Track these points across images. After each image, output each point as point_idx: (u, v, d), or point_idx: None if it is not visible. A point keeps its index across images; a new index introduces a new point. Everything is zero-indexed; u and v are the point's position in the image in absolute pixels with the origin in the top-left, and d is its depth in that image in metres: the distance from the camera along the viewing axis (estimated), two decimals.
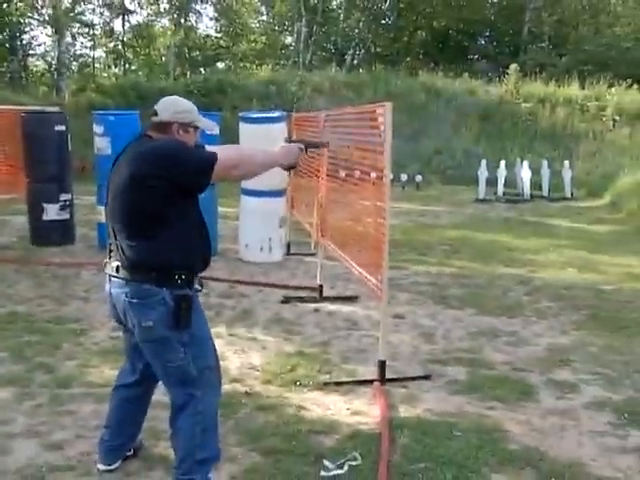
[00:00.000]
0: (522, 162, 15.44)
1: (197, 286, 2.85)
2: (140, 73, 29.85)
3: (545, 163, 15.46)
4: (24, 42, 26.72)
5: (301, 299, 6.32)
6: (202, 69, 30.25)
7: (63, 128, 8.48)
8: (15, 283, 6.70)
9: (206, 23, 41.39)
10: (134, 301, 2.72)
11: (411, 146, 17.78)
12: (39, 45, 29.99)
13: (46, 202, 8.41)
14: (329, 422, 3.72)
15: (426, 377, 4.44)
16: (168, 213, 2.69)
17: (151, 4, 30.87)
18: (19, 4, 24.39)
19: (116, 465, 3.15)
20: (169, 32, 29.45)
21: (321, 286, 6.37)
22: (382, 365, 4.30)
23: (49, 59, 28.64)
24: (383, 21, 31.64)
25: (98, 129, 8.09)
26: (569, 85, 21.22)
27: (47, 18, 25.82)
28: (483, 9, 31.37)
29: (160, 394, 3.26)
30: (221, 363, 3.11)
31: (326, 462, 3.24)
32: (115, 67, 31.79)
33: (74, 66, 29.52)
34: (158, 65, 31.14)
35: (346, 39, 30.54)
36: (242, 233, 8.09)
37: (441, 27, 31.13)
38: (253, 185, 7.22)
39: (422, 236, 10.03)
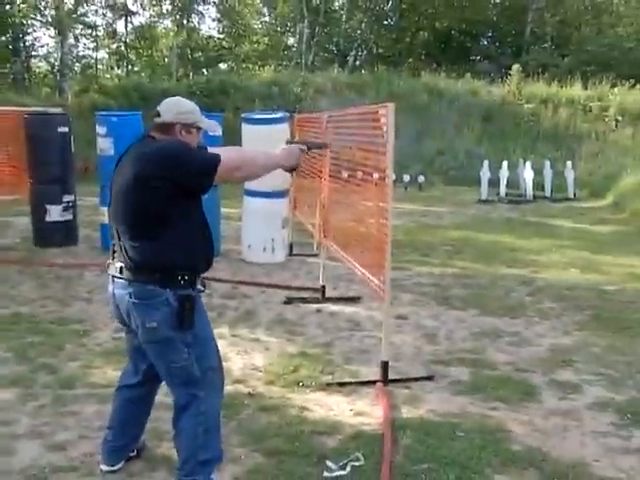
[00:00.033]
0: (524, 163, 15.44)
1: (200, 287, 2.86)
2: (143, 74, 29.88)
3: (548, 164, 15.45)
4: (27, 43, 26.74)
5: (304, 300, 6.33)
6: (204, 70, 30.25)
7: (66, 129, 8.50)
8: (18, 284, 6.71)
9: (208, 24, 41.37)
10: (138, 302, 2.73)
11: (414, 147, 17.77)
12: (42, 46, 30.02)
13: (49, 203, 8.44)
14: (332, 423, 3.73)
15: (429, 378, 4.44)
16: (171, 214, 2.69)
17: (154, 5, 30.90)
18: (22, 5, 24.44)
19: (119, 466, 3.15)
20: (172, 33, 29.47)
21: (324, 287, 6.37)
22: (385, 366, 4.30)
23: (52, 60, 28.67)
24: (385, 22, 31.65)
25: (101, 130, 8.10)
26: (572, 85, 21.20)
27: (50, 19, 25.89)
28: (485, 10, 31.32)
29: (163, 395, 3.27)
30: (224, 364, 3.11)
31: (329, 463, 3.24)
32: (118, 68, 31.80)
33: (77, 67, 29.51)
34: (161, 66, 31.15)
35: (348, 40, 30.53)
36: (245, 234, 8.09)
37: (443, 28, 31.09)
38: (256, 186, 7.22)
39: (425, 237, 10.03)
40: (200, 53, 31.74)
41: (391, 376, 4.32)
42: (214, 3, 31.68)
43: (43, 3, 26.06)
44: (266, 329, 5.46)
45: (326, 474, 3.17)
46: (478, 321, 5.82)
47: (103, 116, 8.38)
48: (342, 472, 3.18)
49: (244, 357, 4.78)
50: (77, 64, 29.60)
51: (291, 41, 32.88)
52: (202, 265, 2.86)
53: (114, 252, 2.86)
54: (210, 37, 32.83)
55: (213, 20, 40.34)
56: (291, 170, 3.21)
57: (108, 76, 30.30)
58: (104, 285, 3.04)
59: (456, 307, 6.24)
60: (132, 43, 31.42)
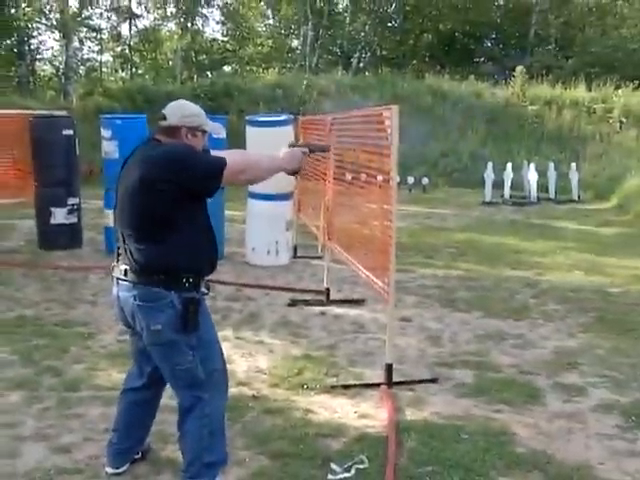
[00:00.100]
0: (529, 164, 15.42)
1: (204, 289, 2.86)
2: (147, 77, 29.97)
3: (552, 165, 15.43)
4: (32, 47, 26.88)
5: (308, 302, 6.33)
6: (209, 73, 30.34)
7: (71, 132, 8.53)
8: (23, 287, 6.73)
9: (213, 27, 41.53)
10: (142, 304, 2.74)
11: (418, 149, 17.77)
12: (47, 50, 30.31)
13: (54, 206, 8.45)
14: (336, 425, 3.73)
15: (433, 380, 4.44)
16: (177, 217, 2.70)
17: (158, 8, 30.99)
18: (27, 9, 24.54)
19: (124, 468, 3.16)
20: (176, 36, 29.53)
21: (328, 289, 6.37)
22: (389, 368, 4.30)
23: (57, 63, 28.85)
24: (389, 24, 31.68)
25: (106, 133, 8.13)
26: (576, 87, 21.17)
27: (55, 23, 26.01)
28: (489, 11, 31.31)
29: (168, 398, 3.28)
30: (228, 366, 3.12)
31: (333, 465, 3.24)
32: (122, 71, 31.91)
33: (81, 70, 29.66)
34: (165, 69, 31.25)
35: (352, 42, 30.56)
36: (249, 236, 8.10)
37: (447, 30, 31.09)
38: (260, 189, 7.23)
39: (429, 239, 10.02)
40: (204, 56, 31.83)
41: (395, 378, 4.32)
42: (218, 6, 31.82)
43: (48, 7, 26.21)
44: (270, 331, 5.46)
45: (330, 477, 3.17)
46: (482, 323, 5.82)
47: (108, 119, 8.40)
48: (346, 474, 3.18)
49: (248, 359, 4.78)
50: (82, 67, 29.76)
51: (295, 43, 32.92)
52: (206, 268, 2.87)
53: (119, 255, 2.87)
54: (214, 40, 32.92)
55: (217, 23, 40.45)
56: (294, 173, 3.22)
57: (112, 79, 30.42)
58: (109, 288, 3.05)
59: (460, 309, 6.24)
60: (136, 46, 31.54)
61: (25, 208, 9.70)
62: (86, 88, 24.14)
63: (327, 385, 4.30)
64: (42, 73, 29.53)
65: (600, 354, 5.03)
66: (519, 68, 21.83)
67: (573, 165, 15.55)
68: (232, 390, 3.39)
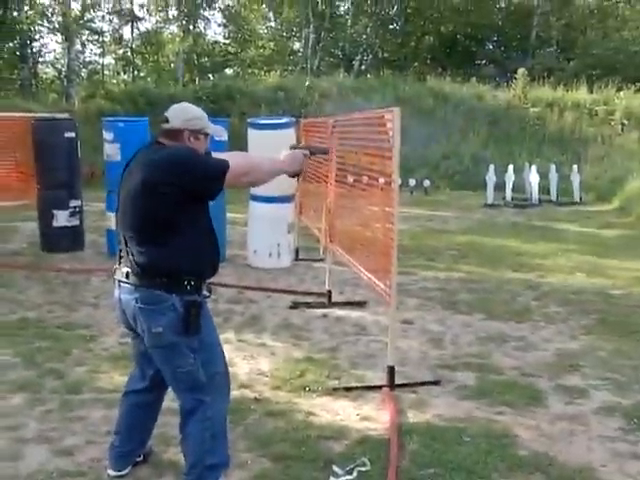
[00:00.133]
0: (530, 167, 15.41)
1: (206, 292, 2.87)
2: (149, 79, 29.96)
3: (553, 167, 15.43)
4: (34, 50, 26.91)
5: (310, 305, 6.33)
6: (210, 75, 30.35)
7: (73, 135, 8.54)
8: (25, 289, 6.74)
9: (214, 29, 41.51)
10: (144, 307, 2.74)
11: (419, 151, 17.78)
12: (49, 52, 30.31)
13: (56, 208, 8.47)
14: (338, 428, 3.73)
15: (435, 382, 4.44)
16: (179, 220, 2.71)
17: (160, 11, 31.05)
18: (29, 12, 24.58)
19: (126, 471, 3.16)
20: (178, 39, 29.54)
21: (330, 291, 6.37)
22: (391, 370, 4.30)
23: (59, 66, 28.89)
24: (391, 26, 31.66)
25: (108, 136, 8.13)
26: (577, 89, 21.16)
27: (57, 26, 26.07)
28: (491, 14, 31.34)
29: (170, 400, 3.28)
30: (230, 369, 3.13)
31: (335, 468, 3.24)
32: (124, 74, 31.95)
33: (84, 73, 29.72)
34: (167, 71, 31.25)
35: (354, 45, 30.59)
36: (251, 239, 8.10)
37: (449, 32, 31.13)
38: (262, 191, 7.21)
39: (430, 241, 10.02)
40: (206, 58, 31.86)
41: (397, 381, 4.32)
42: (220, 8, 31.85)
43: (50, 10, 26.24)
44: (272, 334, 5.47)
45: (333, 479, 3.17)
46: (484, 325, 5.82)
47: (110, 122, 8.41)
48: (349, 477, 3.18)
49: (250, 362, 4.78)
50: (84, 70, 29.81)
51: (297, 46, 32.96)
52: (208, 271, 2.87)
53: (120, 257, 2.87)
54: (216, 42, 32.96)
55: (219, 25, 40.45)
56: (295, 175, 3.22)
57: (114, 82, 30.44)
58: (110, 290, 3.05)
59: (462, 312, 6.23)
60: (138, 49, 31.59)
61: (27, 210, 9.71)
62: (88, 91, 24.20)
63: (329, 387, 4.30)
64: (44, 76, 29.59)
65: (602, 356, 5.02)
66: (521, 70, 21.82)
67: (575, 167, 15.54)
68: (234, 393, 3.39)
